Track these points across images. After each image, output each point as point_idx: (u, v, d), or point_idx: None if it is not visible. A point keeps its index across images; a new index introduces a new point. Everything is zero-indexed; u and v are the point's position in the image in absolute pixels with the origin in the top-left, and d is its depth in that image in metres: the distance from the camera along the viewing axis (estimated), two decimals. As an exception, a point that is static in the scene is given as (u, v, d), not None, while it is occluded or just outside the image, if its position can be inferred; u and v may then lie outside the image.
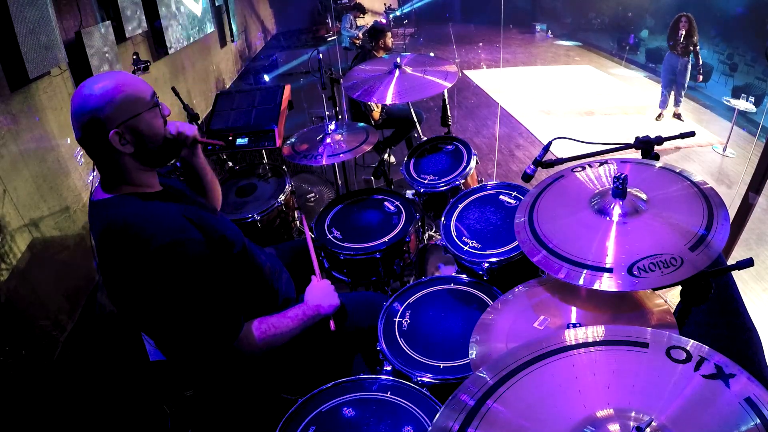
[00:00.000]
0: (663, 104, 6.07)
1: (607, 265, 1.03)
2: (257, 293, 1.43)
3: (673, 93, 5.99)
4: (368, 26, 7.46)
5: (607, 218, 1.13)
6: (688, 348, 0.77)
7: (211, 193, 1.62)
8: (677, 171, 1.22)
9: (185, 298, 1.15)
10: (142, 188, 1.26)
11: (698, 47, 5.74)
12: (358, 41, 7.93)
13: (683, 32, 5.62)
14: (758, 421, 0.64)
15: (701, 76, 5.90)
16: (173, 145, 1.30)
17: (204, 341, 1.20)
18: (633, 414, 0.70)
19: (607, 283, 1.00)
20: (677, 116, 6.02)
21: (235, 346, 1.23)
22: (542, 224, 1.21)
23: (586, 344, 0.84)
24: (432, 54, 2.56)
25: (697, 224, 1.04)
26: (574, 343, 0.84)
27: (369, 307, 1.63)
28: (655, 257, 1.00)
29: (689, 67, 5.82)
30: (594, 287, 1.01)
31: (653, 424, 0.67)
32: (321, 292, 1.49)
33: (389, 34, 4.17)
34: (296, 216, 2.51)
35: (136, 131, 1.18)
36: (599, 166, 1.32)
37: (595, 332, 0.87)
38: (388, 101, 2.28)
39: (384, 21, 4.54)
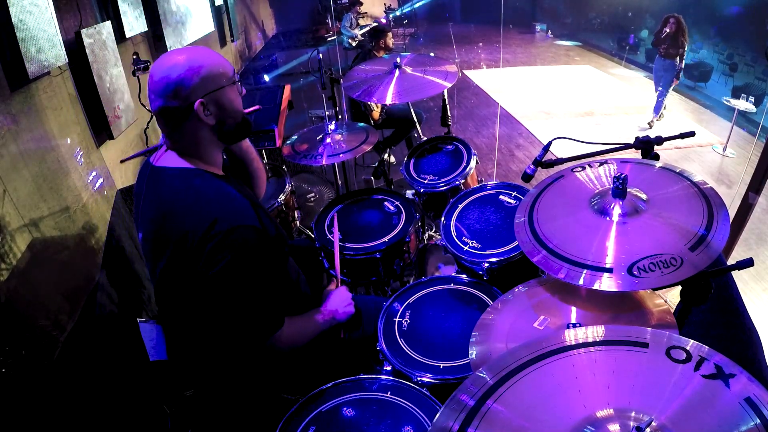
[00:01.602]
0: (657, 110, 5.94)
1: (607, 265, 1.03)
2: (289, 292, 1.45)
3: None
4: (369, 26, 7.46)
5: (607, 218, 1.13)
6: (688, 348, 0.77)
7: (257, 180, 1.58)
8: (677, 171, 1.22)
9: (241, 284, 1.16)
10: (211, 167, 1.26)
11: (685, 49, 5.54)
12: (355, 41, 7.92)
13: (668, 32, 5.43)
14: (758, 421, 0.64)
15: (677, 80, 5.68)
16: (248, 125, 1.31)
17: (248, 330, 1.21)
18: (633, 414, 0.70)
19: (607, 283, 1.00)
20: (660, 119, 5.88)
21: (273, 341, 1.25)
22: (542, 224, 1.21)
23: (586, 344, 0.84)
24: (432, 54, 2.55)
25: (697, 224, 1.04)
26: (574, 343, 0.84)
27: (371, 313, 1.63)
28: (655, 257, 1.00)
29: (675, 68, 5.64)
30: (594, 287, 1.01)
31: (653, 424, 0.67)
32: (338, 299, 1.51)
33: (390, 34, 4.17)
34: (296, 216, 2.51)
35: (219, 104, 1.19)
36: (599, 166, 1.32)
37: (595, 332, 0.87)
38: (388, 101, 2.28)
39: (384, 21, 4.54)
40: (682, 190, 1.15)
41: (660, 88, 5.89)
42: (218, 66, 1.19)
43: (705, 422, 0.68)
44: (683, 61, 5.59)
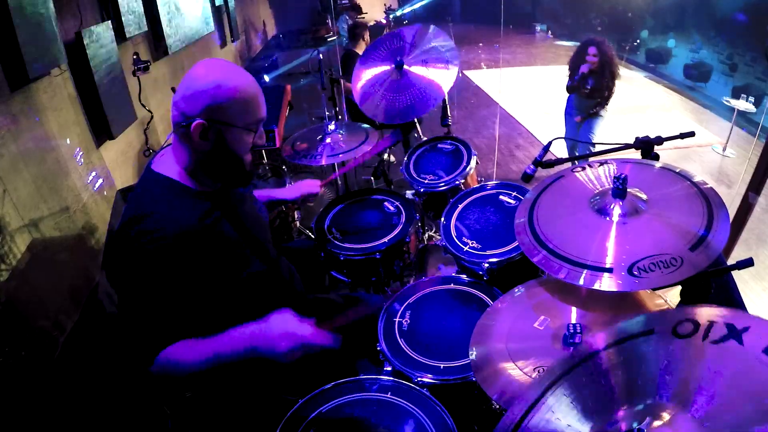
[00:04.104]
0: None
1: (607, 265, 1.03)
2: (282, 292, 1.45)
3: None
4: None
5: (607, 218, 1.13)
6: (694, 318, 0.72)
7: None
8: (677, 171, 1.22)
9: (134, 288, 1.15)
10: (196, 182, 1.22)
11: (611, 92, 3.61)
12: None
13: (584, 73, 3.62)
14: None
15: (593, 146, 3.28)
16: (245, 174, 1.23)
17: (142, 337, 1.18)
18: (654, 405, 0.67)
19: (607, 283, 1.00)
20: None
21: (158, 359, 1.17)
22: (542, 224, 1.21)
23: (596, 351, 0.81)
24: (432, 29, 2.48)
25: (697, 224, 1.04)
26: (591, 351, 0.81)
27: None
28: (655, 257, 1.00)
29: (598, 118, 3.67)
30: (594, 287, 1.01)
31: (672, 411, 0.64)
32: (279, 321, 1.20)
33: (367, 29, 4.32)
34: (296, 216, 2.51)
35: (220, 136, 1.12)
36: (599, 166, 1.32)
37: (605, 337, 0.84)
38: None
39: (385, 22, 4.57)
40: (682, 190, 1.15)
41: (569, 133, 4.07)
42: (247, 104, 1.12)
43: (730, 393, 0.63)
44: (606, 106, 3.68)
